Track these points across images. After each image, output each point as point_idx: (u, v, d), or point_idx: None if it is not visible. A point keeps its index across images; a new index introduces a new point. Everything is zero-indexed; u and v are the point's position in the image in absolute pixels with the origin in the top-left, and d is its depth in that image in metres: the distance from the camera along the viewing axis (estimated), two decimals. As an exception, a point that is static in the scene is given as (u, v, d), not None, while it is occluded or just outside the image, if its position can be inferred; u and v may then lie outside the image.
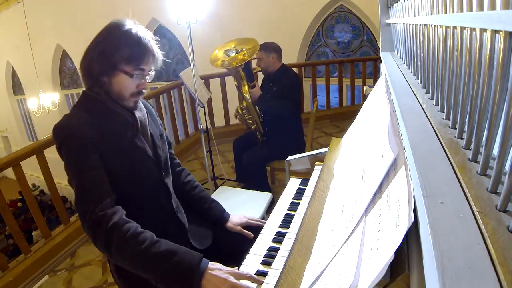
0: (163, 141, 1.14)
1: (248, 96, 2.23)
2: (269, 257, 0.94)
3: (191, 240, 1.16)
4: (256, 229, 1.16)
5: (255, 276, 0.86)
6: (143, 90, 1.01)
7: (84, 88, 1.02)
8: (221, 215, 1.25)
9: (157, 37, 1.02)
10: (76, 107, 0.99)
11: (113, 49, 0.93)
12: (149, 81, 1.02)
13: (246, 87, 2.22)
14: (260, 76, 2.49)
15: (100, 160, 0.93)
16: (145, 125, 1.06)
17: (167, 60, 1.06)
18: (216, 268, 0.87)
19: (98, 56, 0.94)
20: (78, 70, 0.97)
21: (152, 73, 1.01)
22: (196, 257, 0.87)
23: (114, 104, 0.98)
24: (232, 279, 0.84)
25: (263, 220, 1.25)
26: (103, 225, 0.86)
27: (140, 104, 1.08)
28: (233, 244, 1.20)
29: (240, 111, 2.40)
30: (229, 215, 1.26)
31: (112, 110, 0.98)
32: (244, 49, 2.25)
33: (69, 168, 0.92)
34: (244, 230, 1.21)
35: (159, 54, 1.00)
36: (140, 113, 1.05)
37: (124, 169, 0.98)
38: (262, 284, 0.84)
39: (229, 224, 1.23)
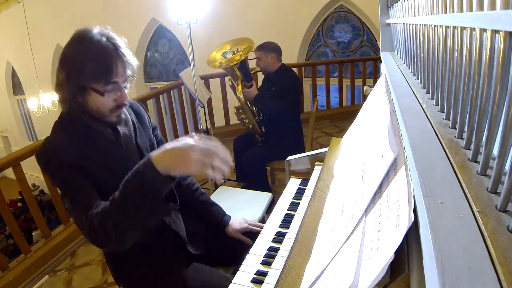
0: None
1: (241, 96, 2.22)
2: (269, 257, 0.94)
3: (188, 246, 1.12)
4: (256, 232, 1.15)
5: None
6: (125, 102, 0.94)
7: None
8: (221, 220, 1.24)
9: (125, 39, 0.92)
10: (55, 129, 0.94)
11: (77, 70, 0.86)
12: (130, 86, 0.94)
13: (240, 87, 2.22)
14: (261, 76, 2.49)
15: (85, 177, 0.89)
16: (130, 140, 1.01)
17: (137, 62, 0.95)
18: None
19: (65, 81, 0.88)
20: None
21: (132, 80, 0.93)
22: (140, 162, 0.81)
23: (94, 123, 0.93)
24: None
25: (263, 225, 1.22)
26: (93, 223, 0.82)
27: (127, 116, 1.02)
28: (233, 244, 1.21)
29: (235, 110, 2.40)
30: (230, 218, 1.25)
31: (93, 129, 0.93)
32: (240, 50, 2.26)
33: (58, 187, 0.93)
34: (243, 237, 1.21)
35: (131, 58, 0.91)
36: (125, 128, 1.00)
37: (110, 186, 0.90)
38: (262, 284, 0.84)
39: (229, 229, 1.23)
